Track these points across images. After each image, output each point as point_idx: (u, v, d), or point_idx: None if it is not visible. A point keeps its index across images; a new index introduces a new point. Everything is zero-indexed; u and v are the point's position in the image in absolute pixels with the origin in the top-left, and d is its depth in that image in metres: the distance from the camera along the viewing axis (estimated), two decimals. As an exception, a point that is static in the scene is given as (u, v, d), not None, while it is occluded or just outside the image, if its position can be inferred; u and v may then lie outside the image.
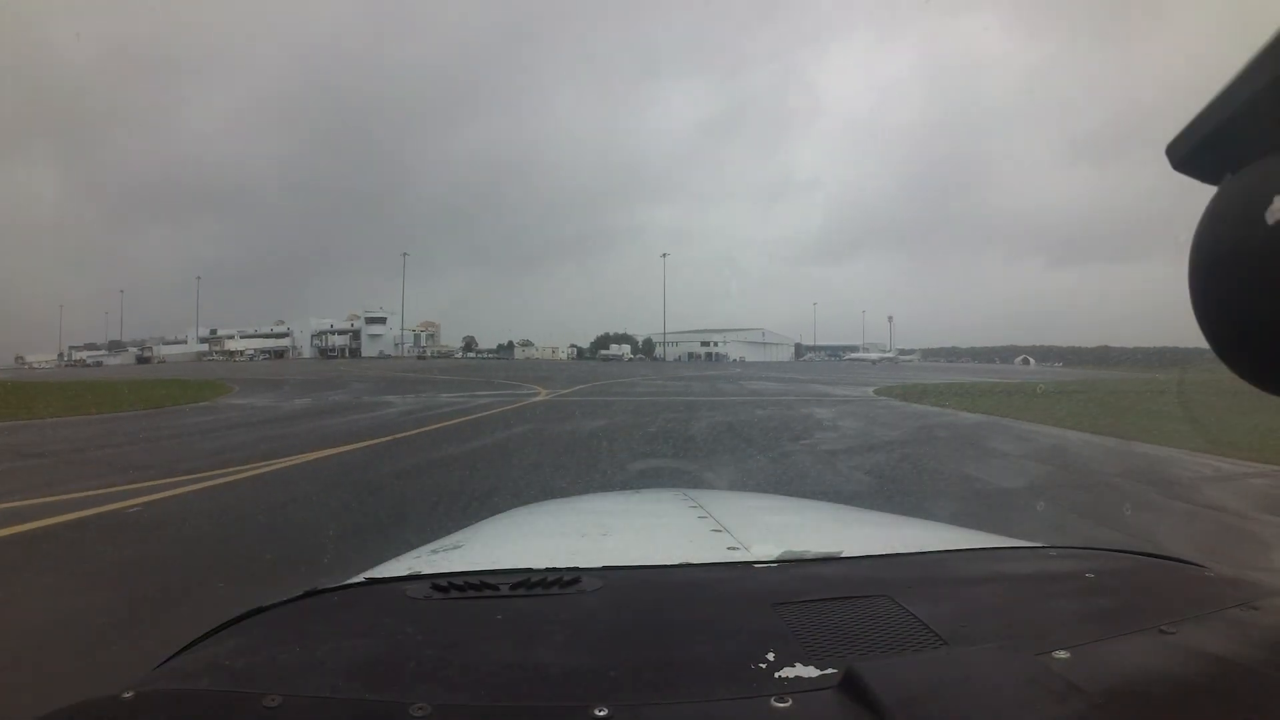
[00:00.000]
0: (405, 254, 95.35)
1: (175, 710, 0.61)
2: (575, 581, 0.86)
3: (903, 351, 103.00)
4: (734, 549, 1.13)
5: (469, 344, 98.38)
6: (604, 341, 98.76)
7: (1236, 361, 0.57)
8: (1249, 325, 0.55)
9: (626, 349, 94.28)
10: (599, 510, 1.91)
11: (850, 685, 0.58)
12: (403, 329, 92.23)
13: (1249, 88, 0.53)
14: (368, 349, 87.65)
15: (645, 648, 0.70)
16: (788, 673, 0.62)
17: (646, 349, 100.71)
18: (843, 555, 1.01)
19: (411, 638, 0.72)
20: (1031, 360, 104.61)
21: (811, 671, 0.62)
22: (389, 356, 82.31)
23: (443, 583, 0.86)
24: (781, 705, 0.57)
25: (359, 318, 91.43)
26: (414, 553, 1.31)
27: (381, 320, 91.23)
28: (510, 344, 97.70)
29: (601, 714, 0.56)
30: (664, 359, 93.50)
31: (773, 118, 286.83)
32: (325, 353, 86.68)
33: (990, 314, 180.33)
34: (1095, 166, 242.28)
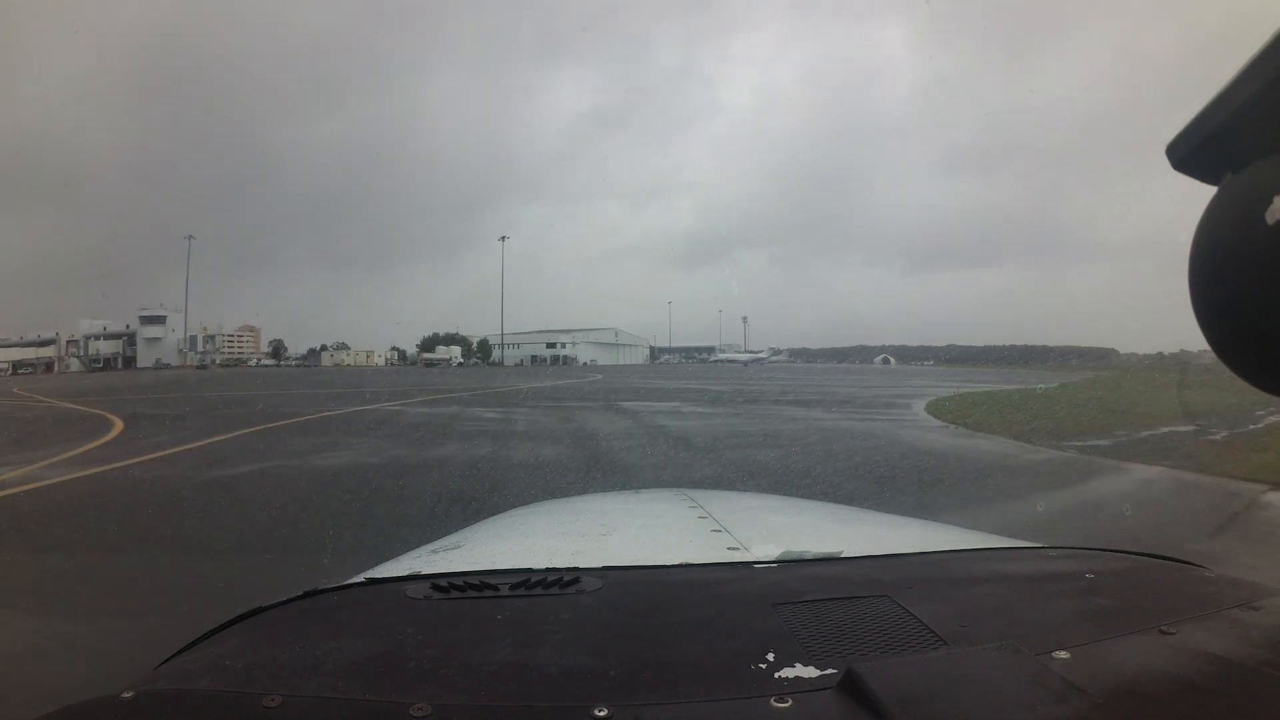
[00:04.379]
0: (190, 237, 75.56)
1: (175, 710, 0.61)
2: (575, 581, 0.86)
3: (774, 351, 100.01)
4: (734, 549, 1.12)
5: (277, 350, 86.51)
6: (431, 344, 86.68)
7: (1236, 362, 0.57)
8: (1249, 325, 0.55)
9: (456, 351, 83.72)
10: (599, 510, 1.91)
11: (850, 685, 0.58)
12: (186, 332, 75.45)
13: (1249, 88, 0.53)
14: (144, 356, 70.64)
15: (645, 648, 0.70)
16: (788, 673, 0.62)
17: (482, 351, 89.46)
18: (843, 555, 1.01)
19: (411, 638, 0.72)
20: (892, 360, 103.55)
21: (811, 672, 0.62)
22: (168, 366, 67.08)
23: (443, 583, 0.86)
24: (781, 705, 0.57)
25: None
26: (414, 553, 1.30)
27: (159, 320, 73.43)
28: (323, 347, 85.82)
29: (601, 714, 0.56)
30: (501, 363, 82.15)
31: (662, 114, 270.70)
32: (91, 362, 70.01)
33: (842, 315, 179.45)
34: (964, 178, 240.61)
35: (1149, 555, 1.07)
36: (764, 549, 1.09)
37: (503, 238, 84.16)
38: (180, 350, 73.08)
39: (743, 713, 0.57)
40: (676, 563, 1.01)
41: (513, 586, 0.85)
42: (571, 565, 0.91)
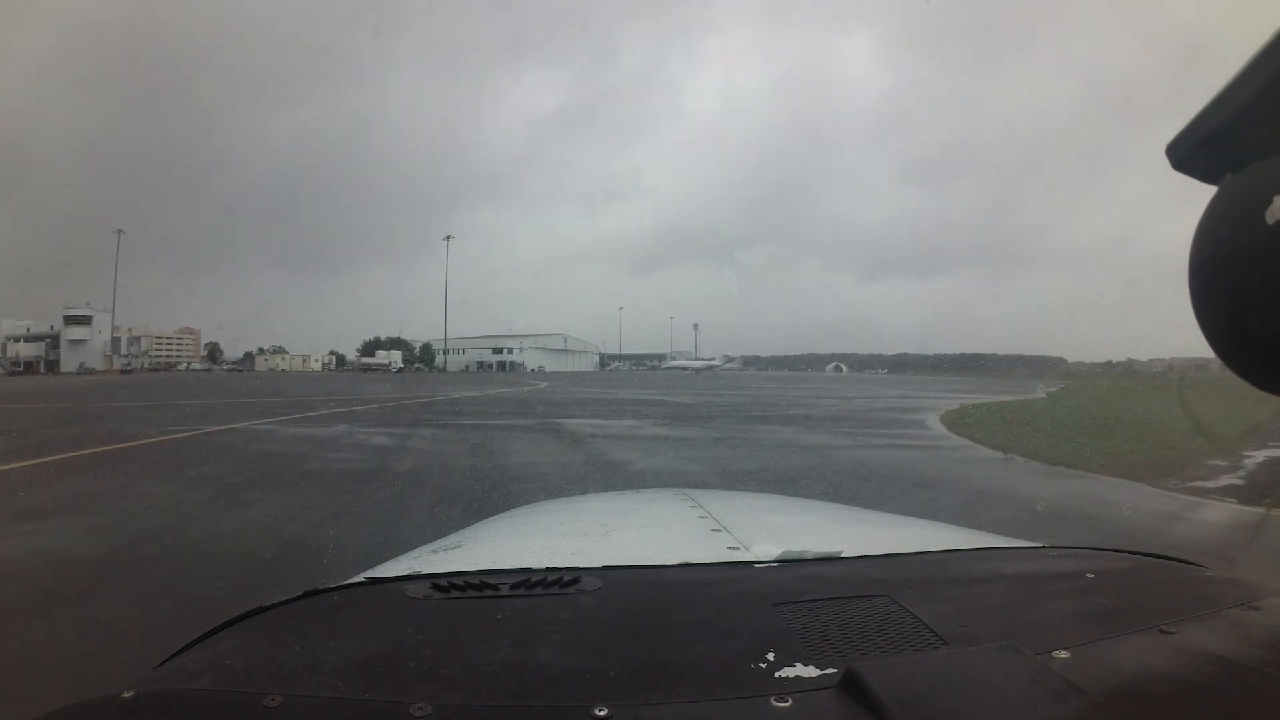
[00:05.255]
0: (120, 231, 71.28)
1: (175, 710, 0.61)
2: (575, 581, 0.86)
3: (727, 358, 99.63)
4: (734, 549, 1.12)
5: (212, 353, 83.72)
6: (371, 348, 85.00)
7: (1236, 361, 0.57)
8: (1249, 325, 0.55)
9: (397, 356, 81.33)
10: (599, 510, 1.91)
11: (850, 685, 0.58)
12: (113, 333, 70.52)
13: (1249, 88, 0.53)
14: (68, 360, 65.76)
15: (645, 648, 0.70)
16: (788, 673, 0.62)
17: (425, 357, 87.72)
18: (843, 555, 1.01)
19: (411, 638, 0.72)
20: (844, 368, 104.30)
21: (811, 671, 0.62)
22: (93, 370, 62.59)
23: (443, 582, 0.86)
24: (781, 705, 0.57)
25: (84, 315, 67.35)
26: (414, 552, 1.30)
27: (84, 321, 67.94)
28: (261, 351, 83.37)
29: (601, 714, 0.56)
30: (444, 368, 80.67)
31: (625, 118, 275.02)
32: (12, 366, 64.61)
33: (794, 324, 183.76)
34: (921, 188, 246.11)
35: (1149, 555, 1.07)
36: (764, 549, 1.09)
37: (447, 237, 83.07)
38: (106, 354, 68.43)
39: (743, 712, 0.57)
40: (676, 562, 1.01)
41: (513, 586, 0.85)
42: (571, 565, 0.91)
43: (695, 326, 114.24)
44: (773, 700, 0.58)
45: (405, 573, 0.98)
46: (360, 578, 0.97)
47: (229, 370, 72.38)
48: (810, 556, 1.01)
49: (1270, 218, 0.50)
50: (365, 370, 70.94)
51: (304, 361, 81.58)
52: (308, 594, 0.88)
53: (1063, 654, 0.64)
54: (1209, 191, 0.60)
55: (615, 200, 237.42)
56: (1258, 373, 0.57)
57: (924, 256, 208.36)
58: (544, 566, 0.91)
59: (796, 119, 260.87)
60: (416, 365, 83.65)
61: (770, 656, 0.65)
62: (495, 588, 0.85)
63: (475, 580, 0.87)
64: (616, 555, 1.09)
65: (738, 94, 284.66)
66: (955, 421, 15.65)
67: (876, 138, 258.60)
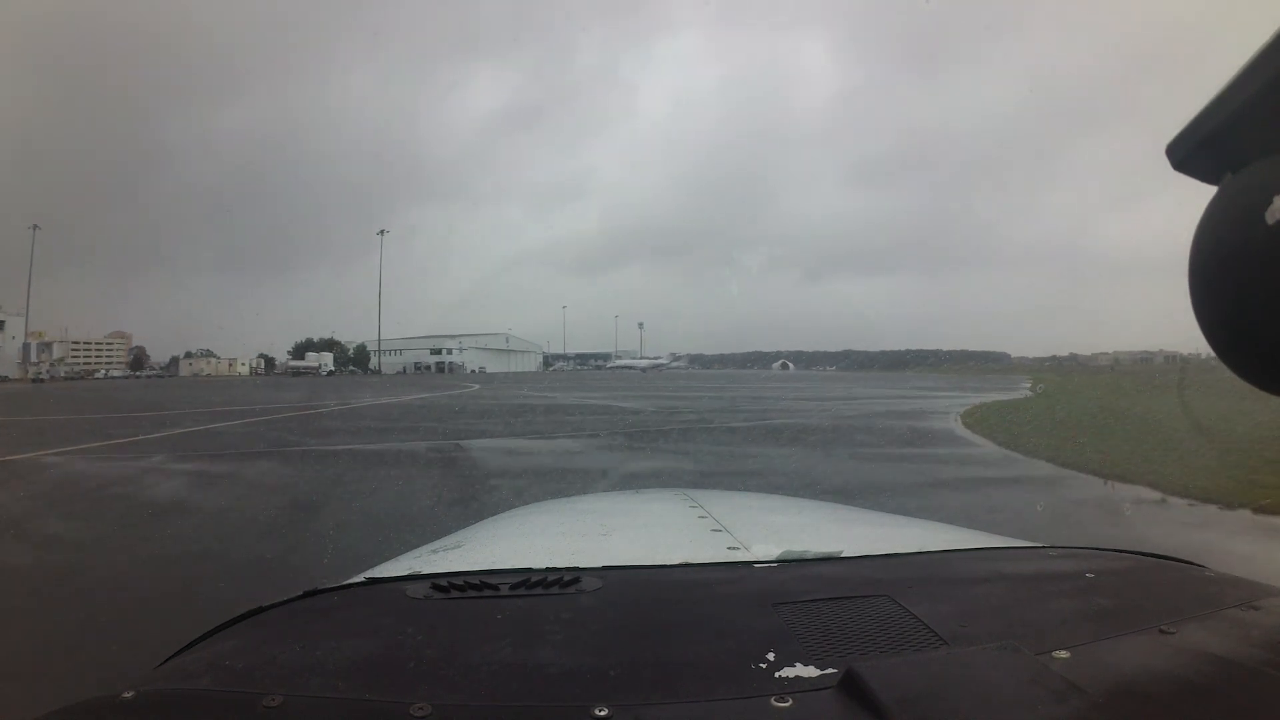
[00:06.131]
0: (35, 227, 65.79)
1: (175, 710, 0.61)
2: (575, 581, 0.86)
3: (674, 356, 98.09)
4: (734, 549, 1.12)
5: (138, 359, 79.44)
6: (301, 350, 79.98)
7: (1236, 361, 0.57)
8: (1249, 325, 0.55)
9: (328, 359, 76.65)
10: (599, 510, 1.91)
11: (850, 685, 0.58)
12: (26, 338, 64.79)
13: (1249, 88, 0.53)
14: None
15: (645, 648, 0.70)
16: (788, 673, 0.62)
17: (359, 358, 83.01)
18: (843, 555, 1.01)
19: (411, 638, 0.72)
20: (790, 365, 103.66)
21: (811, 671, 0.62)
22: (4, 378, 57.28)
23: (443, 583, 0.86)
24: (781, 705, 0.57)
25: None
26: (414, 552, 1.30)
27: None
28: (187, 355, 78.39)
29: (601, 714, 0.56)
30: (378, 371, 75.82)
31: (577, 117, 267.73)
32: None
33: (740, 322, 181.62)
34: (869, 188, 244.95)
35: (1149, 555, 1.07)
36: (764, 549, 1.09)
37: (381, 231, 78.33)
38: (18, 361, 62.61)
39: (743, 712, 0.57)
40: (676, 562, 1.01)
41: (513, 586, 0.85)
42: (571, 565, 0.91)
43: (640, 325, 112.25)
44: (773, 700, 0.58)
45: (405, 573, 0.98)
46: (360, 578, 0.97)
47: (150, 377, 68.57)
48: (810, 556, 1.01)
49: (1270, 218, 0.50)
50: (294, 374, 65.80)
51: (230, 366, 77.35)
52: (308, 594, 0.88)
53: (1063, 654, 0.64)
54: (1209, 191, 0.60)
55: (565, 200, 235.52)
56: (1258, 373, 0.57)
57: (870, 255, 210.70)
58: (544, 566, 0.91)
59: (747, 119, 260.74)
60: (350, 368, 79.50)
61: (770, 656, 0.65)
62: (495, 588, 0.85)
63: (475, 580, 0.87)
64: (616, 555, 1.09)
65: (690, 94, 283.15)
66: (994, 429, 12.09)
67: (826, 138, 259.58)
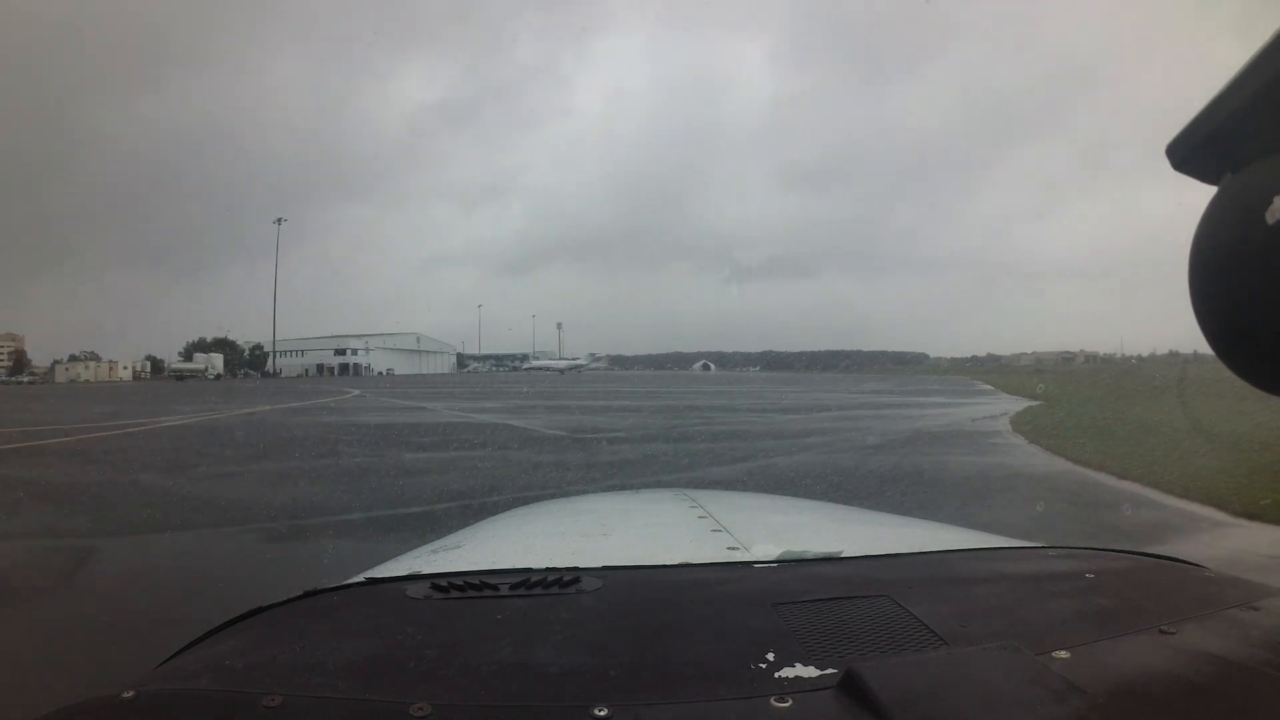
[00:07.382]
0: None
1: (175, 710, 0.61)
2: (575, 581, 0.86)
3: (594, 356, 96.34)
4: (734, 549, 1.12)
5: (18, 363, 73.95)
6: (191, 351, 74.70)
7: (1236, 361, 0.57)
8: (1249, 325, 0.55)
9: (217, 361, 70.14)
10: (599, 510, 1.91)
11: (850, 685, 0.58)
12: None
13: (1249, 88, 0.53)
14: None
15: (645, 648, 0.70)
16: (788, 673, 0.62)
17: (255, 360, 77.48)
18: (843, 555, 1.01)
19: (411, 638, 0.72)
20: (712, 366, 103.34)
21: (811, 671, 0.62)
22: None
23: (443, 583, 0.86)
24: (781, 705, 0.57)
25: None
26: (414, 553, 1.30)
27: None
28: (73, 358, 72.09)
29: (601, 714, 0.56)
30: (277, 373, 69.84)
31: (509, 114, 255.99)
32: None
33: (659, 323, 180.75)
34: (797, 193, 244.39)
35: (1149, 555, 1.07)
36: (764, 549, 1.09)
37: (278, 220, 70.85)
38: None
39: (743, 712, 0.57)
40: (676, 562, 1.01)
41: (513, 586, 0.85)
42: (571, 565, 0.91)
43: (559, 325, 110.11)
44: (773, 700, 0.58)
45: (405, 573, 0.98)
46: (360, 578, 0.97)
47: (21, 384, 60.88)
48: (810, 556, 1.01)
49: (1270, 218, 0.50)
50: (178, 378, 58.38)
51: (110, 369, 70.18)
52: (308, 594, 0.88)
53: (1063, 654, 0.64)
54: (1209, 191, 0.60)
55: (491, 199, 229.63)
56: (1258, 373, 0.57)
57: (793, 259, 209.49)
58: (544, 566, 0.91)
59: (681, 121, 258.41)
60: (245, 370, 73.56)
61: (770, 657, 0.65)
62: (495, 588, 0.85)
63: (475, 580, 0.87)
64: (616, 555, 1.09)
65: (625, 94, 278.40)
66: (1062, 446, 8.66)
67: (757, 143, 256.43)
